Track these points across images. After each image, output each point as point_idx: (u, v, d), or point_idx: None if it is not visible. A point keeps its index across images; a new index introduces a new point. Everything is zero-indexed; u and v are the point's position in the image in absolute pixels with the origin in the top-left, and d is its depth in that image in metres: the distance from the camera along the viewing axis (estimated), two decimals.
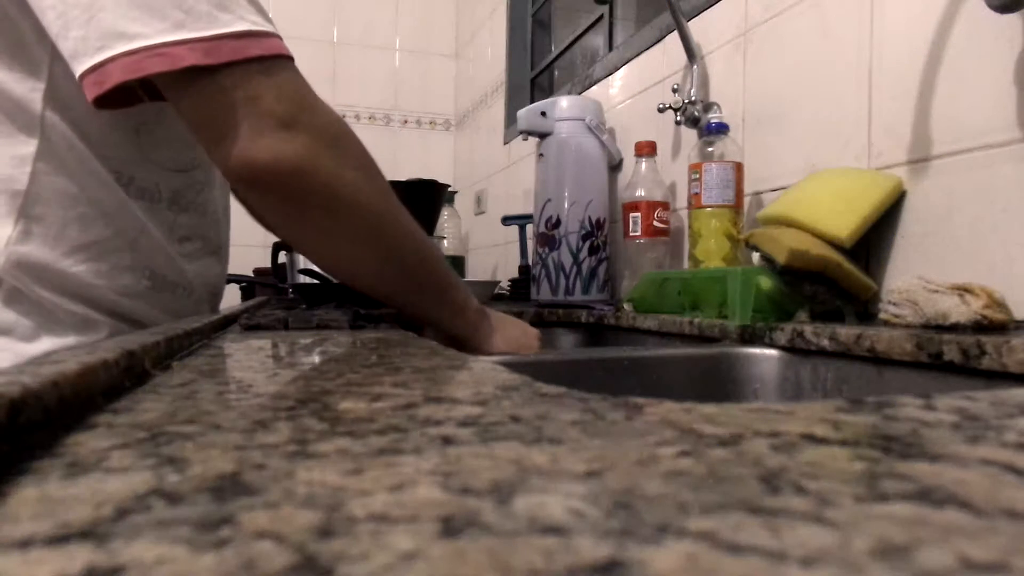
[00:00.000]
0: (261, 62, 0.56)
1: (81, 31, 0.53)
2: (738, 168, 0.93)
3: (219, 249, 0.80)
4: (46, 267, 0.62)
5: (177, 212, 0.71)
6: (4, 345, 0.61)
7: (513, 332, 0.74)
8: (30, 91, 0.61)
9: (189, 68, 0.53)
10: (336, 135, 0.59)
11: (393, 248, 0.63)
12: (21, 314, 0.62)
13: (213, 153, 0.57)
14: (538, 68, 2.20)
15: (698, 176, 0.93)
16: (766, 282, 0.68)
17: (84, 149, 0.63)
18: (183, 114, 0.57)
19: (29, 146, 0.61)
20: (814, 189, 0.79)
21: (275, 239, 1.52)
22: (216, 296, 0.82)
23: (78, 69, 0.53)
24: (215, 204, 0.78)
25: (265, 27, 0.57)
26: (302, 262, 1.45)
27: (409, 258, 0.65)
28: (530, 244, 1.44)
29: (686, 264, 1.04)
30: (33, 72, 0.61)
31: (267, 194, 0.58)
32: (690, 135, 1.10)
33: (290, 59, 0.58)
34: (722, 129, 0.95)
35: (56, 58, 0.59)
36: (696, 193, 0.94)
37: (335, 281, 0.95)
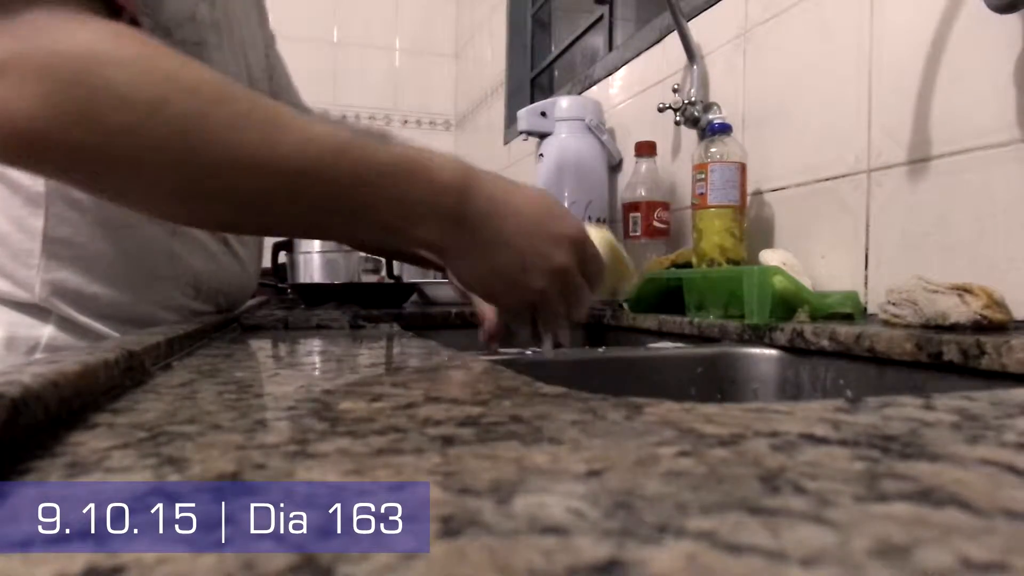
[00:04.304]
0: None
1: None
2: (742, 168, 0.93)
3: (256, 246, 0.77)
4: (82, 293, 0.59)
5: None
6: None
7: (503, 259, 0.46)
8: None
9: None
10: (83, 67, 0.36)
11: (229, 185, 0.40)
12: (76, 337, 0.59)
13: None
14: (538, 68, 2.20)
15: (703, 176, 0.93)
16: (780, 281, 0.68)
17: None
18: None
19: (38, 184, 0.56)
20: None
21: (275, 240, 1.52)
22: (247, 297, 0.80)
23: None
24: None
25: None
26: (303, 263, 1.45)
27: (265, 184, 0.40)
28: None
29: None
30: None
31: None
32: (690, 135, 1.10)
33: None
34: (725, 129, 0.95)
35: None
36: (702, 193, 0.94)
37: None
